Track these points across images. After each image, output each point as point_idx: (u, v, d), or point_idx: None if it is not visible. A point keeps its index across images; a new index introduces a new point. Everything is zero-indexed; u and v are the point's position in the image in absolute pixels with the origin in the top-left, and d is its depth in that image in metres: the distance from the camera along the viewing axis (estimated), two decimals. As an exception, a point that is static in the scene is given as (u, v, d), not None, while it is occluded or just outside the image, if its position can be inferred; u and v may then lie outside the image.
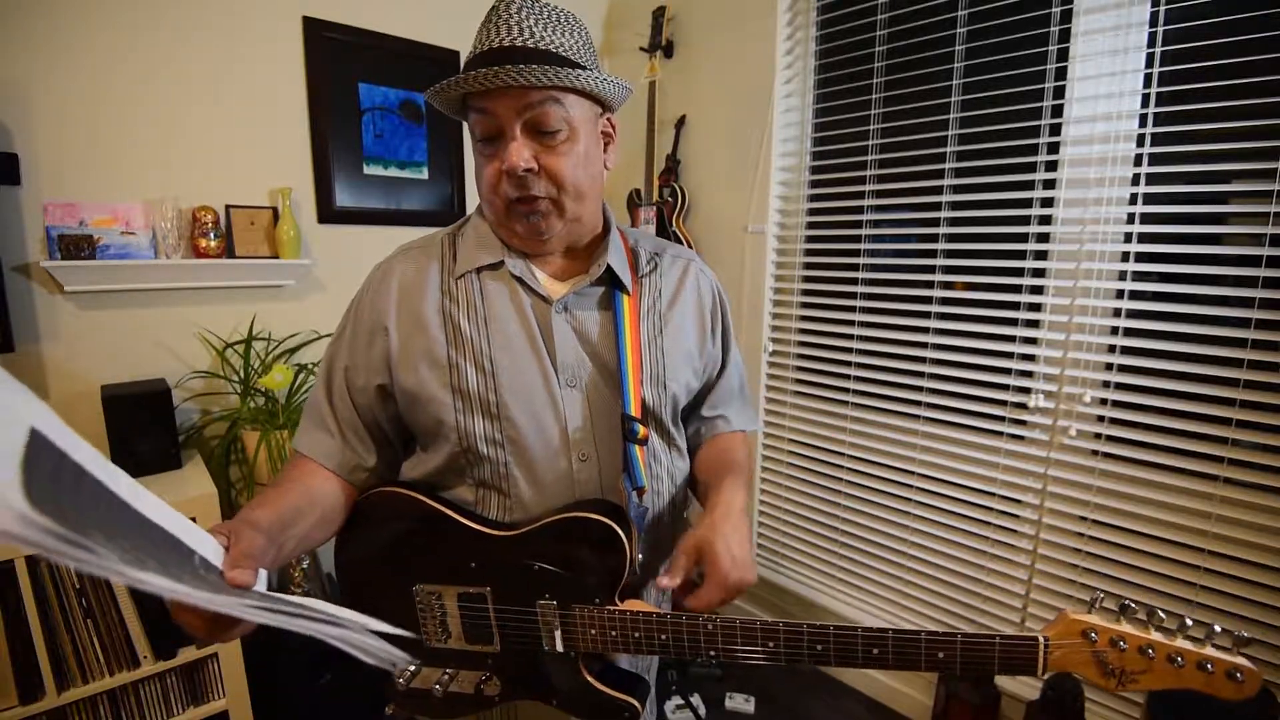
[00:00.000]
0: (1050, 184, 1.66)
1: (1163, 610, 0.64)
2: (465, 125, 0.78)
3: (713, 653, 0.72)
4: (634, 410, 0.81)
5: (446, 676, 0.80)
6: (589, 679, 0.78)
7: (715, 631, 0.72)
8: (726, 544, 0.73)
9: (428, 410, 0.79)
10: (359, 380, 0.82)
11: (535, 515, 0.80)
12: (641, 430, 0.81)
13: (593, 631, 0.75)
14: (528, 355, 0.79)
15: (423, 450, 0.85)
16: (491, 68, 0.69)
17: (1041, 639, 0.65)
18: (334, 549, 0.85)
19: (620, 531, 0.76)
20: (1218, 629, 0.62)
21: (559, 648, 0.77)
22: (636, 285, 0.86)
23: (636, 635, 0.74)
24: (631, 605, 0.76)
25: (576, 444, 0.80)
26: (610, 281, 0.84)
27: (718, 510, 0.78)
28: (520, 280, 0.81)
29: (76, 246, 1.60)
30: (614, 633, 0.74)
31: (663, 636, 0.73)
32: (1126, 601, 0.65)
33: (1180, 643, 0.62)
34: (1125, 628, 0.64)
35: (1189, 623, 0.62)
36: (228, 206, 1.86)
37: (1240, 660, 0.61)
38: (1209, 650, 0.61)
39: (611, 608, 0.75)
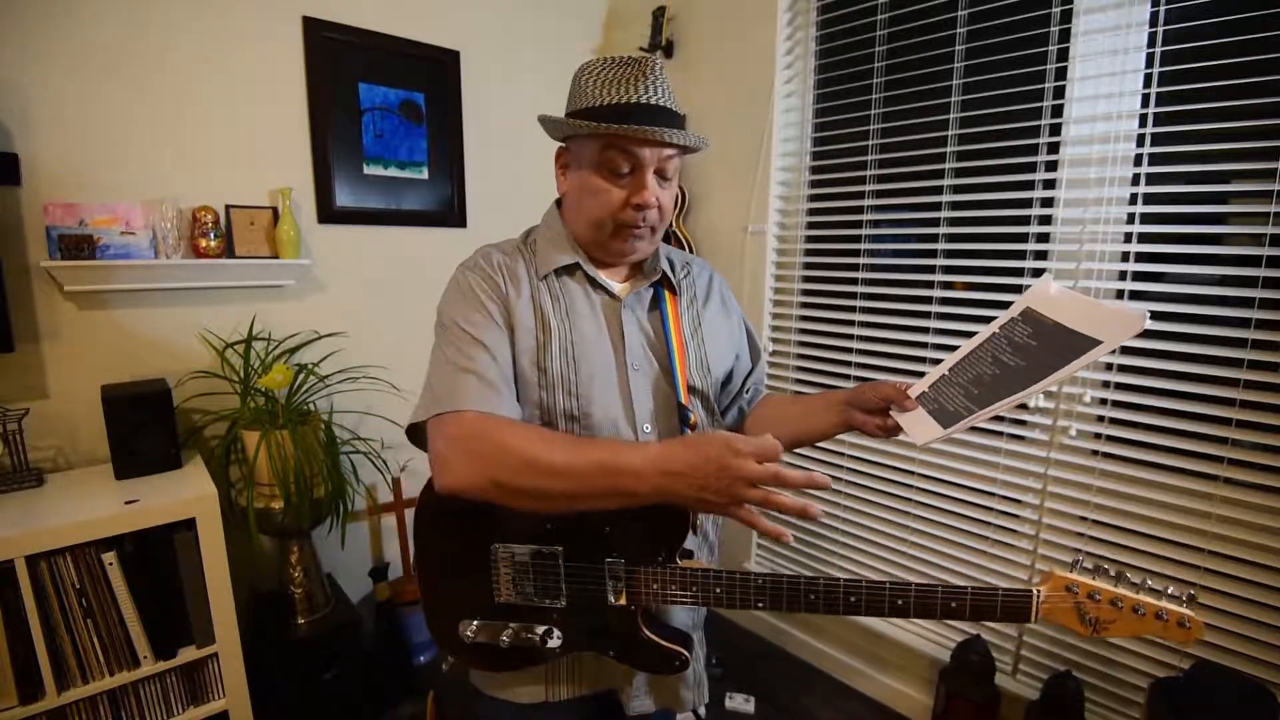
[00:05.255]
0: (1050, 184, 1.66)
1: (1128, 572, 0.76)
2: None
3: (760, 603, 0.83)
4: (683, 393, 0.94)
5: (512, 630, 0.88)
6: (646, 632, 0.88)
7: (764, 586, 0.83)
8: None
9: (521, 389, 0.89)
10: (491, 337, 0.89)
11: None
12: (693, 417, 0.94)
13: (655, 586, 0.85)
14: (602, 342, 0.92)
15: None
16: (656, 126, 0.84)
17: (1035, 591, 0.77)
18: (415, 509, 0.92)
19: None
20: (1170, 588, 0.75)
21: (622, 601, 0.86)
22: (676, 287, 1.01)
23: (694, 589, 0.85)
24: (689, 564, 0.87)
25: (641, 419, 0.92)
26: (659, 283, 0.99)
27: (838, 390, 1.02)
28: (592, 280, 0.95)
29: (77, 246, 1.60)
30: (674, 587, 0.85)
31: (717, 590, 0.84)
32: (1101, 564, 0.78)
33: (1142, 596, 0.75)
34: (1100, 583, 0.76)
35: (1149, 582, 0.76)
36: (228, 206, 1.86)
37: (1188, 611, 0.73)
38: (1164, 602, 0.74)
39: (672, 565, 0.85)
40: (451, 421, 0.81)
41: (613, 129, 0.84)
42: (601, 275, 0.96)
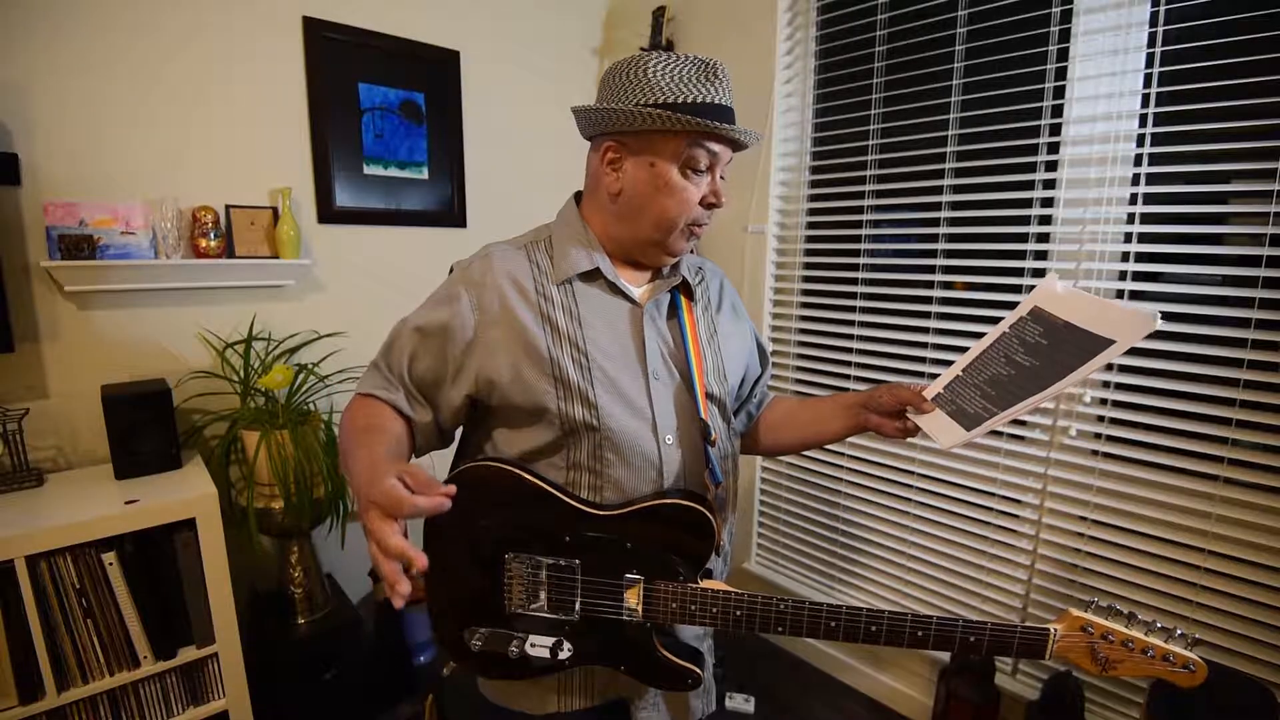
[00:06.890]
0: (1050, 184, 1.66)
1: (1139, 614, 0.79)
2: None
3: (780, 629, 0.84)
4: (701, 403, 0.91)
5: (521, 639, 0.87)
6: (660, 649, 0.87)
7: (786, 611, 0.83)
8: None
9: (530, 399, 0.87)
10: (420, 366, 0.91)
11: (625, 493, 0.88)
12: (713, 435, 0.92)
13: (674, 605, 0.85)
14: (621, 350, 0.90)
15: (522, 431, 0.90)
16: (741, 127, 0.86)
17: (1053, 629, 0.79)
18: None
19: (712, 519, 0.86)
20: (1178, 631, 0.78)
21: (639, 619, 0.85)
22: (693, 293, 0.99)
23: (714, 610, 0.84)
24: (710, 584, 0.86)
25: (663, 429, 0.89)
26: (676, 289, 0.96)
27: (850, 393, 1.04)
28: (613, 285, 0.91)
29: (76, 246, 1.60)
30: (694, 607, 0.85)
31: (738, 613, 0.84)
32: (1113, 604, 0.80)
33: (1152, 639, 0.77)
34: (1114, 625, 0.78)
35: (1158, 625, 0.78)
36: (228, 206, 1.86)
37: (1194, 656, 0.76)
38: (1172, 646, 0.77)
39: (693, 585, 0.85)
40: (355, 398, 0.97)
41: (712, 126, 0.83)
42: (622, 280, 0.92)
